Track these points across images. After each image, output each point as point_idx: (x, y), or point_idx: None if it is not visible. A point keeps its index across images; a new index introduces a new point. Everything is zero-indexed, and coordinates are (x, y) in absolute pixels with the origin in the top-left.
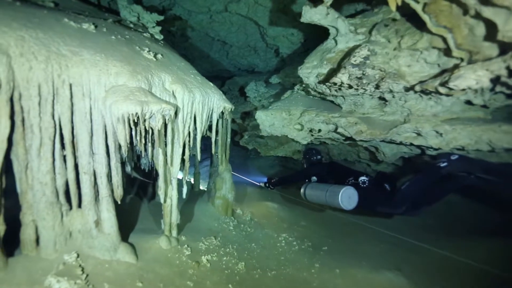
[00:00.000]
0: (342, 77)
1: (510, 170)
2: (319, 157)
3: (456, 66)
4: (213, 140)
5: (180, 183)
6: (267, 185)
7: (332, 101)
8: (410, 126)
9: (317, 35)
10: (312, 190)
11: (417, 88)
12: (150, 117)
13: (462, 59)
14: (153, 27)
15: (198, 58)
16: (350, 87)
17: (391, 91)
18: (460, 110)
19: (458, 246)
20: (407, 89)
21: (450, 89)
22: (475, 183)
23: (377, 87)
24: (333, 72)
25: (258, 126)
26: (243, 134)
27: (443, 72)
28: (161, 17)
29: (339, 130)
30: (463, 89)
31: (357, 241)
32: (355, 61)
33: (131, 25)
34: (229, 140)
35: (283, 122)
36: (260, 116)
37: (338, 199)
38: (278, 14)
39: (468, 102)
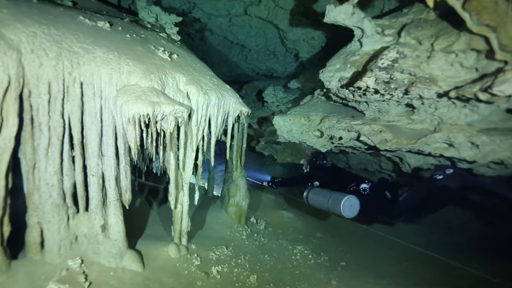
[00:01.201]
0: (368, 81)
1: (501, 187)
2: (324, 161)
3: (500, 70)
4: (228, 145)
5: (192, 188)
6: (270, 184)
7: (354, 107)
8: (441, 136)
9: (339, 40)
10: (314, 195)
11: (452, 94)
12: (162, 119)
13: (506, 62)
14: (171, 28)
15: (216, 62)
16: (376, 92)
17: (420, 97)
18: (499, 120)
19: (492, 267)
20: (440, 95)
21: (493, 95)
22: (470, 197)
23: (406, 92)
24: (357, 76)
25: (275, 132)
26: (260, 140)
27: (482, 77)
28: (180, 18)
29: (362, 138)
30: (509, 96)
31: (377, 256)
32: (382, 64)
33: (149, 25)
34: (244, 145)
35: (301, 128)
36: (278, 122)
37: (340, 207)
38: (299, 17)
39: (510, 111)
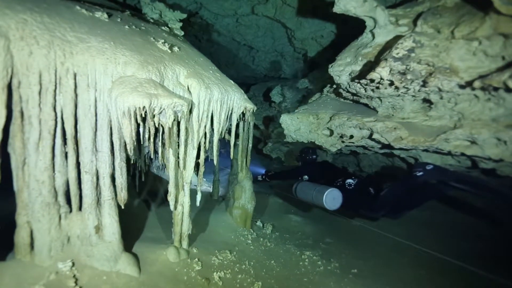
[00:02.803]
0: (381, 71)
1: (480, 182)
2: (314, 156)
3: None
4: (231, 143)
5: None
6: (263, 177)
7: (366, 104)
8: (462, 132)
9: (349, 38)
10: (302, 188)
11: (477, 84)
12: (160, 113)
13: None
14: (174, 23)
15: (223, 64)
16: (391, 84)
17: (439, 90)
18: None
19: None
20: (462, 87)
21: None
22: (450, 192)
23: (424, 84)
24: (370, 68)
25: (283, 133)
26: (267, 142)
27: (509, 65)
28: (184, 15)
29: (375, 136)
30: None
31: (392, 264)
32: (397, 54)
33: (151, 20)
34: (250, 145)
35: (310, 126)
36: (285, 120)
37: (322, 199)
38: (307, 15)
39: None
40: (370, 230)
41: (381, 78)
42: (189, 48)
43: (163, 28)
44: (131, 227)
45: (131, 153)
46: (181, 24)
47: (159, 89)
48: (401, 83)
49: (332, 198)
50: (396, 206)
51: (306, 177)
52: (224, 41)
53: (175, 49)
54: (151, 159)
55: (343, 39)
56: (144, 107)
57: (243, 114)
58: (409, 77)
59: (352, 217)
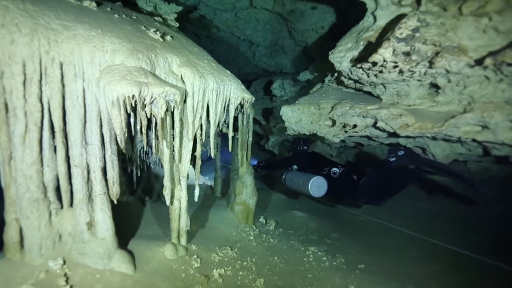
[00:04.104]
0: (384, 53)
1: (445, 166)
2: (305, 147)
3: None
4: (229, 136)
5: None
6: (255, 167)
7: (369, 93)
8: (473, 116)
9: (350, 27)
10: (290, 177)
11: (488, 61)
12: (151, 102)
13: None
14: (169, 15)
15: (224, 61)
16: (395, 67)
17: (447, 72)
18: None
19: None
20: (472, 67)
21: None
22: (424, 176)
23: (430, 66)
24: (372, 52)
25: (285, 129)
26: (269, 138)
27: None
28: (180, 8)
29: (379, 124)
30: None
31: (401, 258)
32: (401, 34)
33: (145, 11)
34: (250, 138)
35: (311, 117)
36: (286, 112)
37: (308, 187)
38: (307, 5)
39: None
40: (377, 224)
41: (384, 60)
42: (183, 38)
43: (156, 18)
44: (127, 224)
45: (122, 145)
46: (175, 15)
47: (149, 77)
48: (405, 64)
49: (317, 186)
50: (377, 193)
51: (295, 166)
52: (224, 37)
53: (168, 37)
54: (147, 153)
55: (344, 30)
56: (133, 96)
57: (242, 106)
58: (414, 58)
59: (336, 204)
